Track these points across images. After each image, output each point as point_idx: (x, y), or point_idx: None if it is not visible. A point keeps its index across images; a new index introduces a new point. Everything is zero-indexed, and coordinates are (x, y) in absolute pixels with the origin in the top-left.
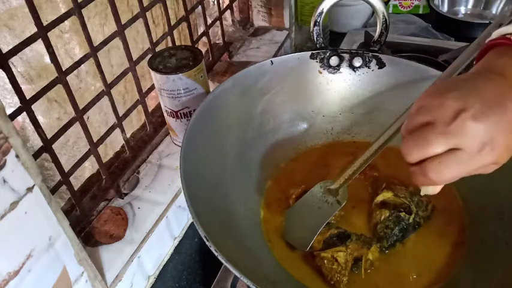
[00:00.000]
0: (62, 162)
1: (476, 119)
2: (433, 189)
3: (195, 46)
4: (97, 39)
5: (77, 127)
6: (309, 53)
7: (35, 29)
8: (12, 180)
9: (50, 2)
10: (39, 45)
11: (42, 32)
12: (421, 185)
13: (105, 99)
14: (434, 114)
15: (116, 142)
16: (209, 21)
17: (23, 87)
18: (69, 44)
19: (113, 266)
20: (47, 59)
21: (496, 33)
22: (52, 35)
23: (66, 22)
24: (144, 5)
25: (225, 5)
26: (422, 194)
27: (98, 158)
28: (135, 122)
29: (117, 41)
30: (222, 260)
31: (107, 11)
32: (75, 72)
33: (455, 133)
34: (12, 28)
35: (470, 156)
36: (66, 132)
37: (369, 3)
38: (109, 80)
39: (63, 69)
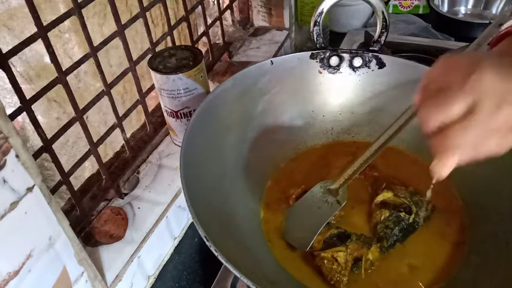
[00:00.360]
0: (62, 162)
1: (493, 71)
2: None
3: (195, 46)
4: (96, 39)
5: (76, 127)
6: (309, 53)
7: (34, 29)
8: (12, 180)
9: (49, 2)
10: (38, 45)
11: (42, 32)
12: (443, 157)
13: (104, 99)
14: (449, 76)
15: (115, 142)
16: (209, 21)
17: (22, 87)
18: (67, 44)
19: (113, 266)
20: (46, 59)
21: (509, 23)
22: (51, 35)
23: (65, 22)
24: (144, 5)
25: (225, 5)
26: (441, 175)
27: (98, 158)
28: (134, 122)
29: (116, 41)
30: (222, 260)
31: (105, 11)
32: (74, 72)
33: (472, 88)
34: (11, 28)
35: (489, 113)
36: (66, 132)
37: (369, 3)
38: (108, 80)
39: (63, 69)
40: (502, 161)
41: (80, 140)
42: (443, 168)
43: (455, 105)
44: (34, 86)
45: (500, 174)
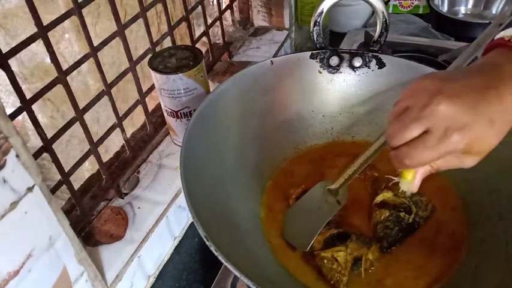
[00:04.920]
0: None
1: (450, 101)
2: (410, 186)
3: (195, 46)
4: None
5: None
6: (309, 53)
7: (29, 29)
8: (13, 180)
9: (50, 2)
10: (32, 44)
11: (42, 32)
12: (398, 169)
13: (96, 98)
14: (414, 98)
15: (109, 140)
16: (209, 21)
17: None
18: (60, 42)
19: (113, 266)
20: (39, 57)
21: (499, 35)
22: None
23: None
24: (144, 5)
25: (225, 5)
26: (401, 190)
27: (98, 158)
28: (133, 122)
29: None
30: (222, 260)
31: (99, 10)
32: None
33: (427, 115)
34: (6, 28)
35: (437, 139)
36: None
37: (369, 3)
38: (96, 79)
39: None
40: (502, 161)
41: (74, 139)
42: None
43: (413, 129)
44: (29, 85)
45: (500, 174)
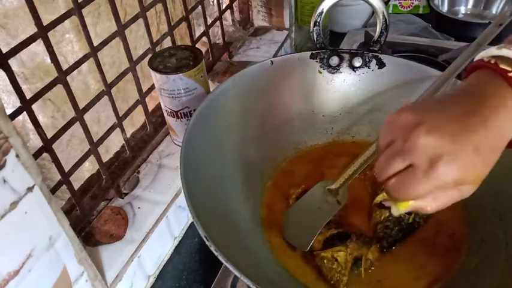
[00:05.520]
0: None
1: (429, 133)
2: (398, 210)
3: (195, 46)
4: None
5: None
6: (309, 53)
7: (29, 28)
8: (13, 180)
9: (50, 2)
10: (32, 44)
11: (42, 32)
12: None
13: (103, 99)
14: (395, 132)
15: (108, 140)
16: (209, 21)
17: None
18: (61, 42)
19: (113, 266)
20: (40, 57)
21: (478, 57)
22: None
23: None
24: (144, 5)
25: (225, 5)
26: (392, 213)
27: (98, 158)
28: (133, 122)
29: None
30: (222, 260)
31: (99, 10)
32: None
33: (409, 149)
34: (6, 28)
35: (423, 172)
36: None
37: (369, 3)
38: (96, 79)
39: (63, 69)
40: (503, 162)
41: (75, 138)
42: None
43: (396, 163)
44: (29, 85)
45: (500, 174)
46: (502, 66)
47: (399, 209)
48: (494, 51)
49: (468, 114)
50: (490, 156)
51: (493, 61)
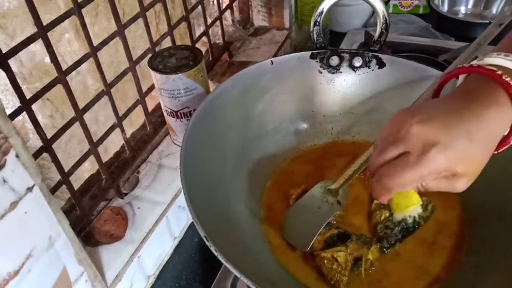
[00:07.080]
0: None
1: (423, 122)
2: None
3: (195, 46)
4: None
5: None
6: (309, 53)
7: (28, 28)
8: (12, 180)
9: (50, 2)
10: (32, 44)
11: (42, 32)
12: (378, 195)
13: (102, 99)
14: (390, 127)
15: (107, 140)
16: (209, 21)
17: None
18: (60, 42)
19: (113, 266)
20: (39, 57)
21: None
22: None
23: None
24: (144, 5)
25: (225, 5)
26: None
27: (98, 158)
28: (133, 122)
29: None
30: (222, 260)
31: (97, 10)
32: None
33: (402, 137)
34: (4, 27)
35: (416, 157)
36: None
37: (369, 3)
38: (95, 78)
39: (63, 69)
40: (503, 162)
41: (74, 138)
42: (379, 196)
43: (390, 151)
44: (29, 85)
45: (500, 174)
46: (487, 67)
47: (401, 209)
48: (474, 62)
49: (460, 109)
50: (482, 148)
51: (475, 65)
